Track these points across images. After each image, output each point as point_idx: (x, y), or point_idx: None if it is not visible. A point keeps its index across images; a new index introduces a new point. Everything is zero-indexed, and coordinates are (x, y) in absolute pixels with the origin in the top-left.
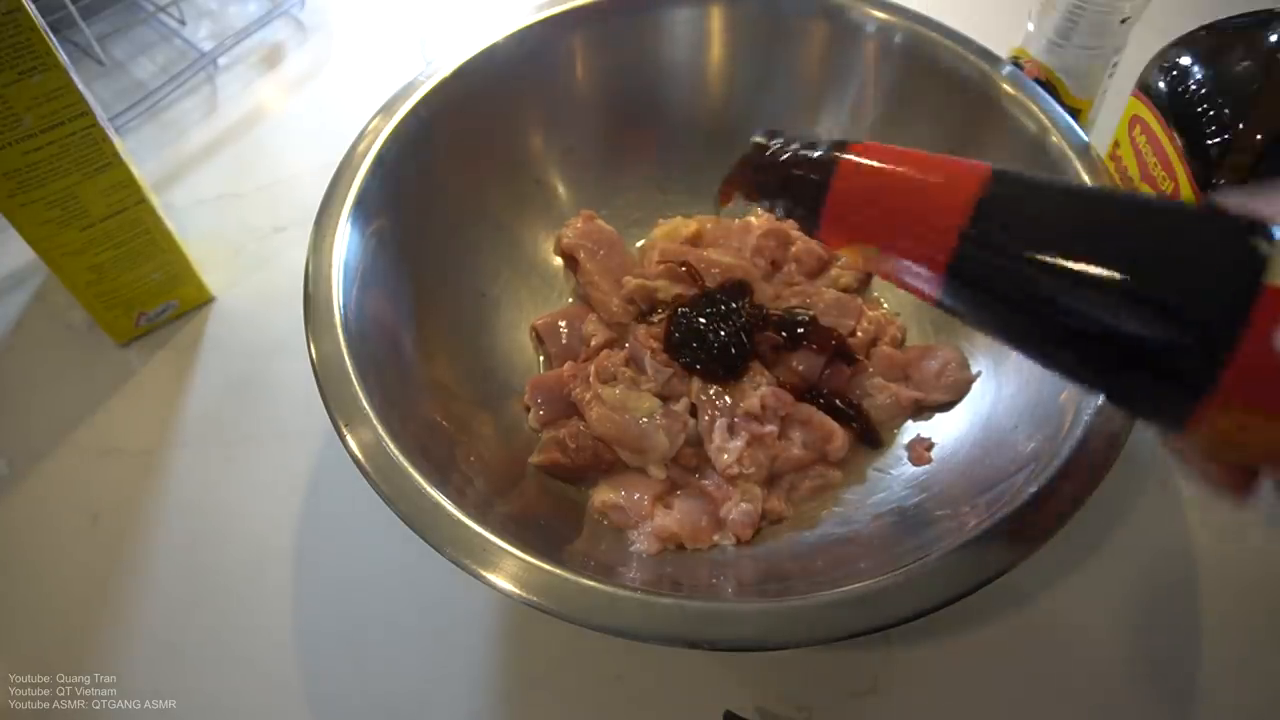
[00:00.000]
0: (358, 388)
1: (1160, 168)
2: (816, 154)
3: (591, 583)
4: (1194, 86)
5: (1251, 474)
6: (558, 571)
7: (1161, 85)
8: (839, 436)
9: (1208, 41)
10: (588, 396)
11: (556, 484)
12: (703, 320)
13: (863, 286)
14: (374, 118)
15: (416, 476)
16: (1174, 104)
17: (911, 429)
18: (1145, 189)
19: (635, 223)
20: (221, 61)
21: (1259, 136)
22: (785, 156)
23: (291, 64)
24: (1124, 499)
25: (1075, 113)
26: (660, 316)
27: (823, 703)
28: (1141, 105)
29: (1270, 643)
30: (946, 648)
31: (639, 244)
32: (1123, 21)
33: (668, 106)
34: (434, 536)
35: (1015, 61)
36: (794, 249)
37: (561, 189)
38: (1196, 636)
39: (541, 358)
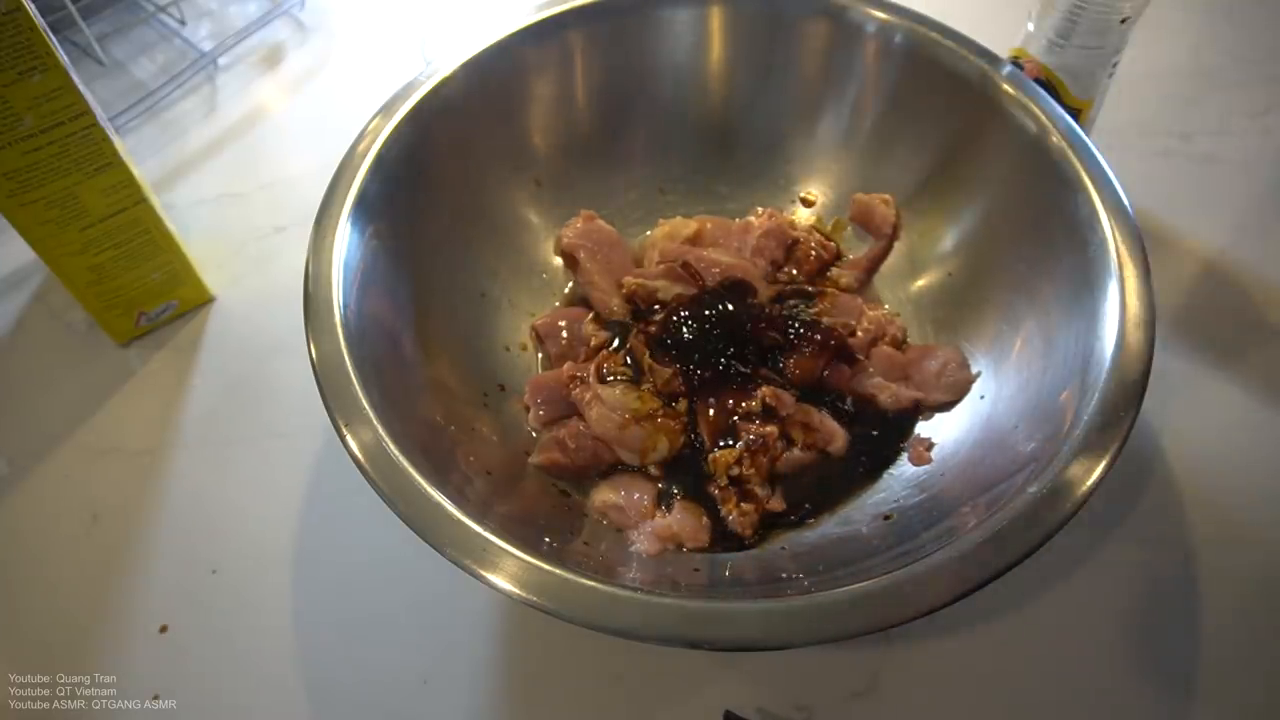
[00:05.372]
0: (358, 388)
1: None
2: None
3: (591, 583)
4: None
5: None
6: (558, 571)
7: None
8: (839, 437)
9: None
10: (587, 396)
11: (556, 484)
12: (696, 324)
13: (863, 286)
14: (374, 118)
15: (416, 476)
16: None
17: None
18: None
19: (635, 223)
20: (221, 61)
21: None
22: None
23: (291, 64)
24: (1124, 499)
25: (1075, 113)
26: (659, 316)
27: (823, 703)
28: None
29: (1270, 642)
30: (946, 648)
31: (639, 240)
32: (1123, 21)
33: (668, 106)
34: (434, 536)
35: (1015, 61)
36: (794, 249)
37: (561, 189)
38: (1196, 636)
39: (541, 357)
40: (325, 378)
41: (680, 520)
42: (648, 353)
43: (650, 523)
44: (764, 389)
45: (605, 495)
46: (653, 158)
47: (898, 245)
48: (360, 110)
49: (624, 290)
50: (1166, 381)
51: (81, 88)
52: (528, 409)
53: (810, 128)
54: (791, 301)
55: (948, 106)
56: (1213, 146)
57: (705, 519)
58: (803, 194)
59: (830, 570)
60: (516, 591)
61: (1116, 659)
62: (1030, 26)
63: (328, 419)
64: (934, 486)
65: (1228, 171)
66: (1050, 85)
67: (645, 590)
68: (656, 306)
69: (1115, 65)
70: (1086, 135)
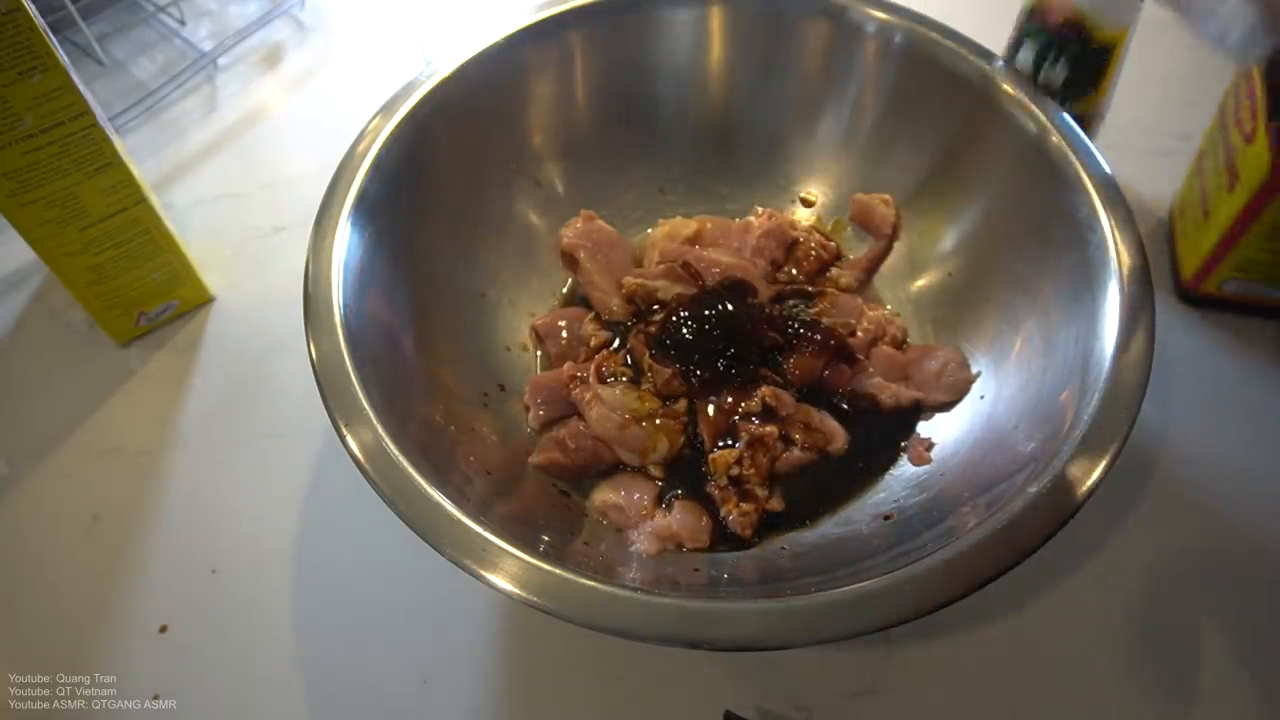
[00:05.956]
0: (357, 388)
1: (1248, 109)
2: None
3: (591, 583)
4: None
5: None
6: (558, 571)
7: None
8: (839, 436)
9: None
10: (587, 396)
11: (556, 484)
12: (696, 324)
13: (863, 286)
14: (374, 118)
15: (416, 476)
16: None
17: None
18: (1235, 131)
19: (635, 223)
20: (221, 61)
21: None
22: None
23: (291, 64)
24: (1124, 499)
25: (1108, 49)
26: (659, 316)
27: (823, 703)
28: None
29: (1271, 642)
30: (946, 648)
31: (639, 240)
32: None
33: (668, 106)
34: (434, 536)
35: (1038, 6)
36: (794, 249)
37: (561, 189)
38: (1196, 636)
39: (540, 356)
40: (325, 378)
41: (680, 520)
42: (648, 353)
43: (650, 523)
44: (764, 389)
45: (605, 495)
46: (653, 158)
47: (898, 245)
48: (360, 110)
49: (624, 290)
50: (1167, 381)
51: (81, 88)
52: (528, 409)
53: (810, 128)
54: (791, 301)
55: (948, 106)
56: None
57: (705, 519)
58: (803, 194)
59: (830, 570)
60: (516, 591)
61: (1116, 659)
62: None
63: (328, 419)
64: (934, 486)
65: None
66: (1079, 27)
67: (645, 590)
68: (656, 306)
69: None
70: (1111, 94)
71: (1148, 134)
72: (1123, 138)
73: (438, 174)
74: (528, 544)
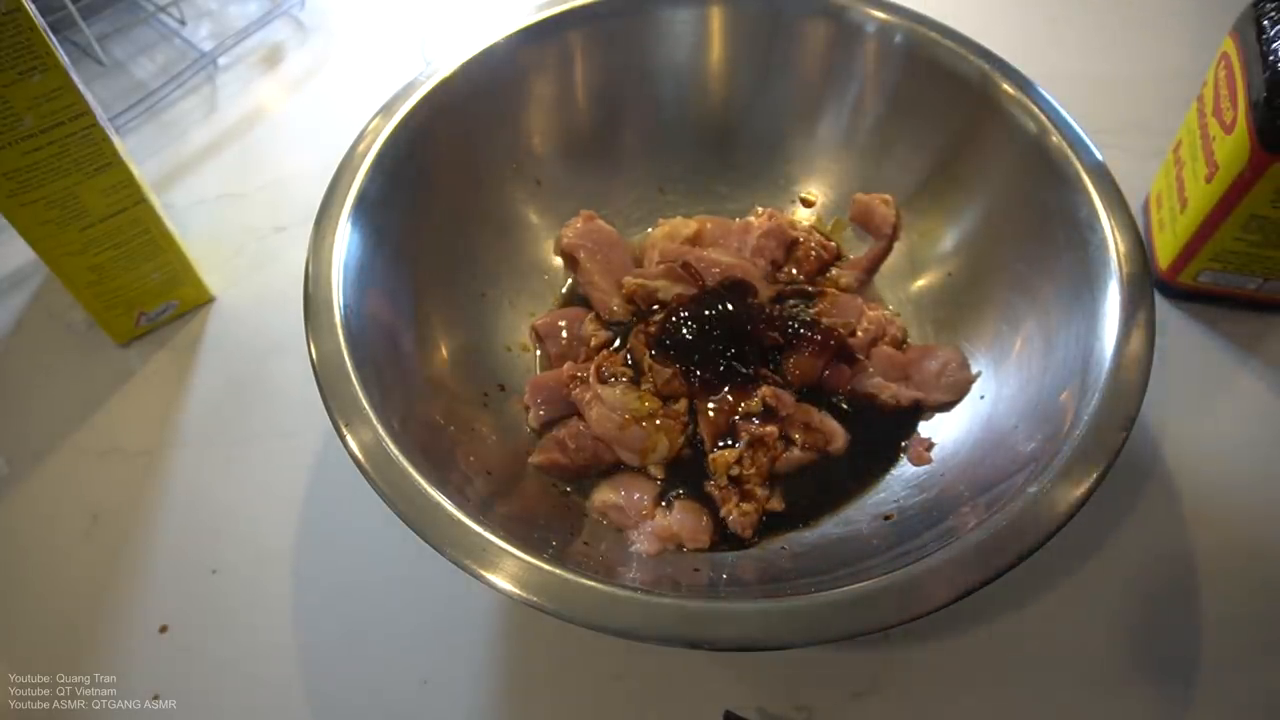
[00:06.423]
0: (357, 388)
1: (1228, 99)
2: None
3: (591, 583)
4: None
5: None
6: (558, 571)
7: (1250, 27)
8: (839, 436)
9: None
10: (588, 396)
11: (556, 484)
12: (696, 324)
13: (863, 286)
14: (374, 118)
15: (416, 476)
16: (1260, 44)
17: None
18: (1214, 121)
19: (635, 223)
20: (221, 61)
21: None
22: None
23: (291, 64)
24: (1124, 500)
25: None
26: (659, 316)
27: (823, 703)
28: (1231, 44)
29: (1270, 643)
30: (946, 648)
31: (639, 240)
32: None
33: (668, 106)
34: (434, 536)
35: None
36: (794, 249)
37: (561, 189)
38: (1196, 637)
39: (539, 353)
40: (325, 378)
41: (680, 520)
42: (648, 353)
43: (650, 523)
44: (764, 389)
45: (605, 495)
46: (653, 158)
47: (898, 245)
48: (360, 110)
49: (624, 290)
50: (1166, 381)
51: (81, 88)
52: (528, 409)
53: (810, 128)
54: (791, 301)
55: (948, 106)
56: None
57: (705, 519)
58: (803, 194)
59: (830, 570)
60: (516, 591)
61: (1116, 659)
62: None
63: (328, 419)
64: (934, 486)
65: None
66: None
67: (645, 590)
68: (656, 306)
69: None
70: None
71: (1147, 134)
72: (1122, 138)
73: (437, 174)
74: (528, 544)
